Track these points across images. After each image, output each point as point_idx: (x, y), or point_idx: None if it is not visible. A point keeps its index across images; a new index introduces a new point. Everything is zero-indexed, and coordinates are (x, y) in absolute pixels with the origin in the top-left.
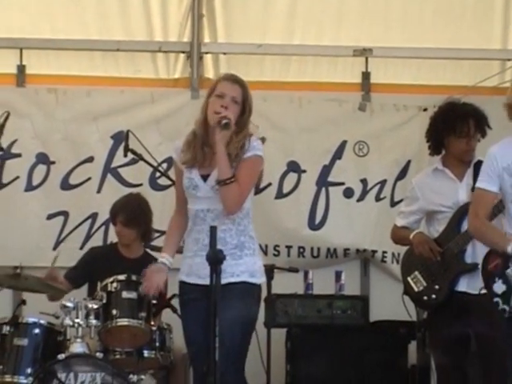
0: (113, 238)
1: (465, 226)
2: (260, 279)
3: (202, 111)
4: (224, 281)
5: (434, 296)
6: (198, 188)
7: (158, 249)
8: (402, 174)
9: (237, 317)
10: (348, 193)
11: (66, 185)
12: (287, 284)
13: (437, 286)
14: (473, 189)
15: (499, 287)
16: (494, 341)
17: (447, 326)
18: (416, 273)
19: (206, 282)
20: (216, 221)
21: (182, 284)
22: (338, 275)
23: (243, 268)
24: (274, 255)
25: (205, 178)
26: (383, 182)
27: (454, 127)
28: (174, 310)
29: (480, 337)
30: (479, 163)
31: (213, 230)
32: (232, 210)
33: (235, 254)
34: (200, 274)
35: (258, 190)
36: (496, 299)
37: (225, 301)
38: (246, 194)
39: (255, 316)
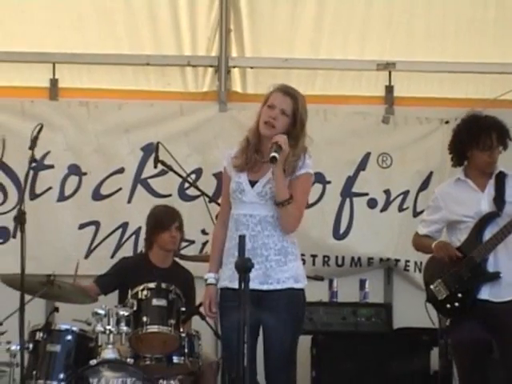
0: (142, 247)
1: (486, 236)
2: (304, 283)
3: (256, 119)
4: (270, 287)
5: (456, 304)
6: (245, 193)
7: (187, 258)
8: (425, 185)
9: (285, 324)
10: (372, 203)
11: (97, 195)
12: (312, 292)
13: (460, 295)
14: (494, 199)
15: None
16: None
17: (469, 331)
18: (439, 281)
19: (253, 285)
20: (258, 226)
21: (225, 290)
22: (362, 283)
23: (288, 274)
24: None
25: (252, 183)
26: (406, 193)
27: (478, 140)
28: (203, 318)
29: (503, 343)
30: (500, 174)
31: (241, 239)
32: (291, 229)
33: (280, 261)
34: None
35: None
36: None
37: (272, 308)
38: (303, 212)
39: (302, 320)
